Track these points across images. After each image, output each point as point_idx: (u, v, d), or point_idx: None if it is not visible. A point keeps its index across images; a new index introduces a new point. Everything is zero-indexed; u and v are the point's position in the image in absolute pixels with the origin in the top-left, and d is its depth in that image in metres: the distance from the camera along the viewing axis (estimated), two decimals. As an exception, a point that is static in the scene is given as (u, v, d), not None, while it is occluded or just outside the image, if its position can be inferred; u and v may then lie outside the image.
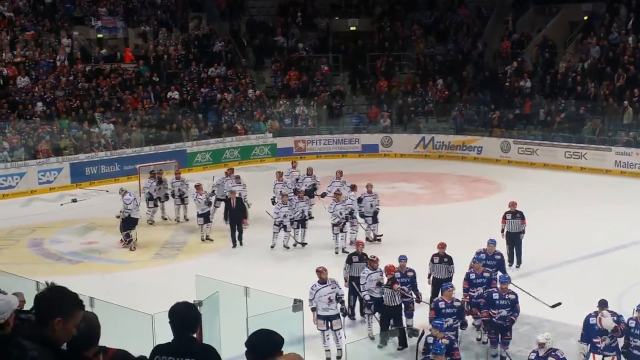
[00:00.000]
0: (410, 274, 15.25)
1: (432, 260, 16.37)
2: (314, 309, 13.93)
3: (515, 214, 19.35)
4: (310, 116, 38.23)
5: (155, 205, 24.90)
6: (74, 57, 36.47)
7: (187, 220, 24.46)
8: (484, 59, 39.86)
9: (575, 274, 18.79)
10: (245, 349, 5.13)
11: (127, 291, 17.04)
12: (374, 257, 15.97)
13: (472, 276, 15.39)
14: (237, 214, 22.25)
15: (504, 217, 19.44)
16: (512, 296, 14.19)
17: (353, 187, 22.93)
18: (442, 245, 16.44)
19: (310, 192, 23.90)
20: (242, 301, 13.59)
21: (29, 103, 33.13)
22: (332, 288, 14.10)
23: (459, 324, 14.03)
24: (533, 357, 11.89)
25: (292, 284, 17.03)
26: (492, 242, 16.72)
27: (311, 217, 22.60)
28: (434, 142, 36.43)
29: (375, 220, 21.95)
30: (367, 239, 21.47)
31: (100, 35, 38.53)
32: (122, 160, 32.60)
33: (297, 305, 12.88)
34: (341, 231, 21.16)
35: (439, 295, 15.15)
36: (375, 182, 25.81)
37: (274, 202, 23.34)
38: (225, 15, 42.23)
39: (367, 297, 15.08)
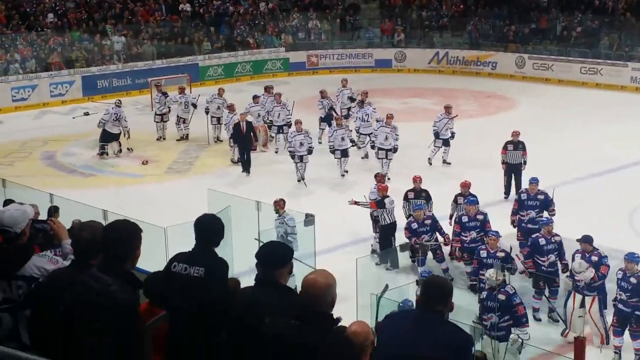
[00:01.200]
0: (428, 221, 14.39)
1: (455, 200, 15.51)
2: None
3: (517, 145, 18.47)
4: (324, 30, 37.83)
5: (163, 121, 24.63)
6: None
7: (221, 141, 23.74)
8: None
9: (588, 190, 18.80)
10: (256, 261, 5.21)
11: (140, 204, 17.07)
12: (380, 174, 16.27)
13: (465, 219, 14.45)
14: (246, 140, 21.25)
15: (505, 148, 18.56)
16: (557, 238, 13.27)
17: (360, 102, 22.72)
18: (465, 185, 15.49)
19: (330, 117, 22.89)
20: (254, 215, 13.70)
21: (39, 14, 32.96)
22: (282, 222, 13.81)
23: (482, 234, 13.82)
24: (484, 296, 11.72)
25: (305, 202, 17.12)
26: (534, 181, 15.24)
27: (353, 144, 21.51)
28: (448, 57, 36.20)
29: (446, 144, 21.29)
30: (429, 159, 21.17)
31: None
32: (134, 73, 32.49)
33: (309, 219, 12.93)
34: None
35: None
36: (388, 98, 25.81)
37: (265, 121, 23.10)
38: None
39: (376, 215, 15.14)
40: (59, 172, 21.86)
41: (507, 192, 18.43)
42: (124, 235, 4.98)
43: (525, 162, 18.42)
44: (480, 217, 14.36)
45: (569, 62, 33.06)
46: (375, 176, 16.26)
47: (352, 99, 24.26)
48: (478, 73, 35.10)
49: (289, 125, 22.16)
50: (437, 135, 21.17)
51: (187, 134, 24.48)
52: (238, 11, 37.06)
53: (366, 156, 21.92)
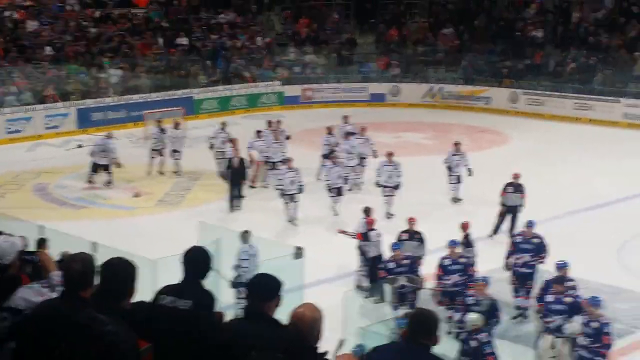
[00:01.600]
0: (405, 261, 13.95)
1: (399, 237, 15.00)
2: None
3: (517, 187, 18.10)
4: (319, 65, 38.01)
5: (161, 155, 24.32)
6: (83, 2, 36.35)
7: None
8: (496, 7, 39.35)
9: (579, 224, 18.80)
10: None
11: (131, 237, 17.00)
12: (369, 208, 15.98)
13: (447, 262, 13.80)
14: (238, 175, 20.85)
15: (504, 190, 18.09)
16: (571, 283, 12.58)
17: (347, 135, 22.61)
18: (464, 226, 15.10)
19: (329, 154, 22.11)
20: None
21: (37, 47, 33.07)
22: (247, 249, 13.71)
23: (465, 279, 13.33)
24: (463, 337, 11.43)
25: (296, 238, 17.09)
26: (530, 225, 14.59)
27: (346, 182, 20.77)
28: (443, 92, 36.29)
29: (459, 181, 20.96)
30: (452, 198, 21.01)
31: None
32: (129, 106, 32.45)
33: (298, 252, 12.98)
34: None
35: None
36: (382, 132, 25.82)
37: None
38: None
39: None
40: (51, 204, 21.77)
41: (495, 232, 18.15)
42: (122, 274, 5.01)
43: (523, 205, 18.08)
44: (463, 260, 13.92)
45: (562, 98, 33.18)
46: (365, 210, 16.15)
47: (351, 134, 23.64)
48: (472, 108, 35.18)
49: (284, 162, 21.50)
50: (450, 169, 20.98)
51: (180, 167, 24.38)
52: (235, 45, 37.22)
53: (351, 189, 21.69)
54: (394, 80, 37.17)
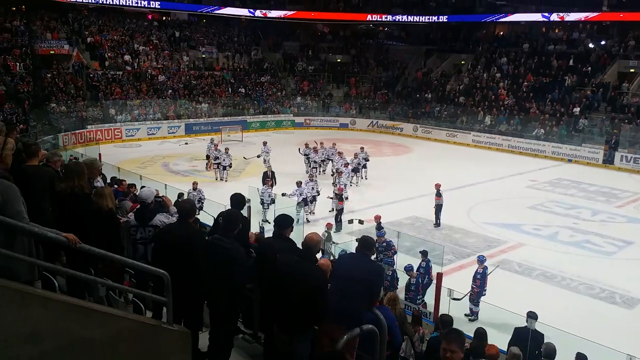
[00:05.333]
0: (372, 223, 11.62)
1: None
2: None
3: (438, 190, 15.23)
4: (313, 106, 37.71)
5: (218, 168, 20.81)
6: (189, 66, 35.91)
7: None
8: (407, 80, 39.10)
9: (449, 196, 18.20)
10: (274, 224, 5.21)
11: (213, 191, 16.89)
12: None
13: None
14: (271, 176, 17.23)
15: (437, 195, 15.15)
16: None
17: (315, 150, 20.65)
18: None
19: (358, 169, 18.92)
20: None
21: (164, 90, 32.67)
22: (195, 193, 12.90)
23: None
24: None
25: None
26: (380, 234, 11.22)
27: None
28: (378, 124, 35.88)
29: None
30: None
31: (203, 56, 37.77)
32: (213, 123, 32.02)
33: (300, 204, 12.88)
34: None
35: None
36: (344, 144, 25.51)
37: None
38: (272, 49, 41.45)
39: None
40: (170, 173, 21.59)
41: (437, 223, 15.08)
42: (234, 217, 4.99)
43: (442, 203, 15.17)
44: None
45: (440, 130, 32.86)
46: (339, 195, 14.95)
47: (366, 160, 20.01)
48: (393, 133, 34.75)
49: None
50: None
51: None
52: (269, 93, 36.92)
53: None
54: (352, 116, 36.78)
